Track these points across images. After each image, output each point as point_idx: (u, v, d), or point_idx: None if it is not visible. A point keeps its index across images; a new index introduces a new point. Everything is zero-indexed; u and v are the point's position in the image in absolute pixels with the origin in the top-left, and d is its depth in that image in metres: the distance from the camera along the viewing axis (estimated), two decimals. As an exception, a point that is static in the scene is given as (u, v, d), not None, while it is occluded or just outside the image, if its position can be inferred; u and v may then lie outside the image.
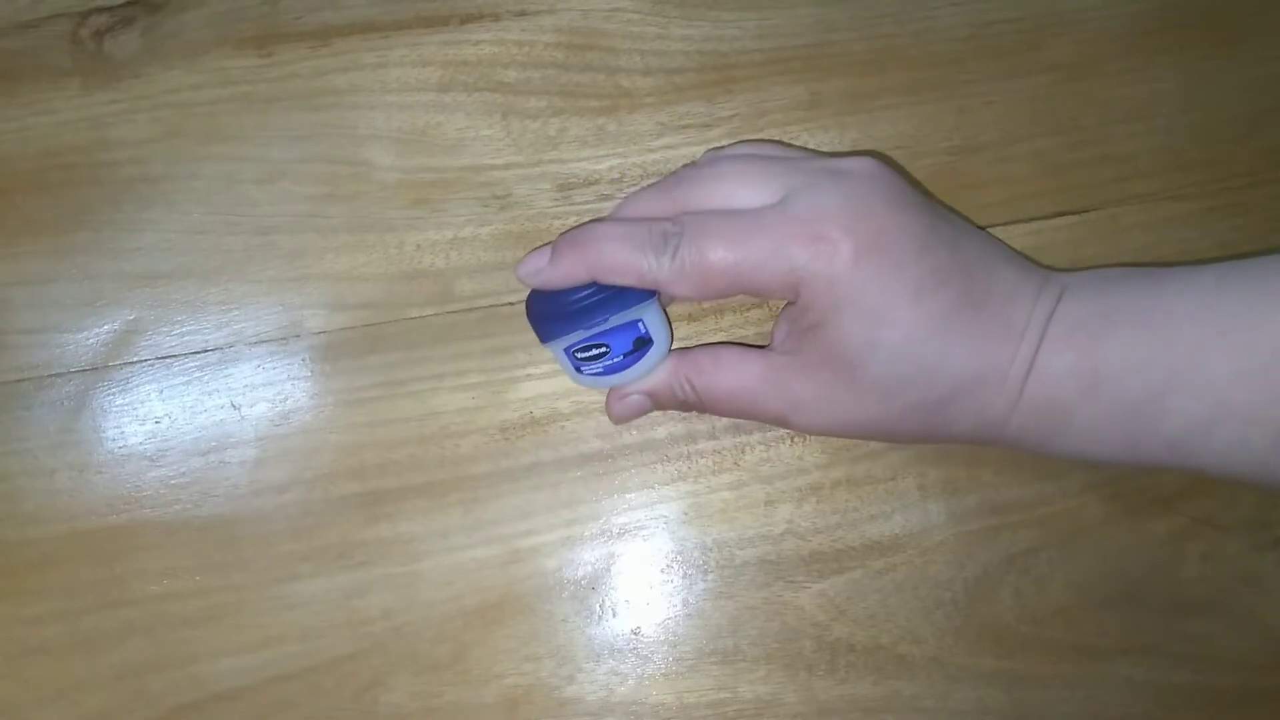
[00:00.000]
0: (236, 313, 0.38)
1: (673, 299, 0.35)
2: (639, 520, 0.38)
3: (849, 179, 0.32)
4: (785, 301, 0.34)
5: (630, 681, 0.37)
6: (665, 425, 0.38)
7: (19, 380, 0.37)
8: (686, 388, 0.35)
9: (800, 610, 0.38)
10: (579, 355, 0.35)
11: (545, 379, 0.38)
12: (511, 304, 0.38)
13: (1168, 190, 0.39)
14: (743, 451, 0.38)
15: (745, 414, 0.34)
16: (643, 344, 0.34)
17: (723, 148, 0.37)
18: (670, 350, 0.36)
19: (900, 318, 0.31)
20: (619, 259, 0.32)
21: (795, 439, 0.38)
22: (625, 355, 0.34)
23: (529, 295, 0.35)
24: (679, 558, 0.38)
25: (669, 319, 0.37)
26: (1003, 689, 0.38)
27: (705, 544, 0.38)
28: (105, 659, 0.37)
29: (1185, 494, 0.38)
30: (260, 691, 0.37)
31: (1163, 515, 0.38)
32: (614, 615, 0.38)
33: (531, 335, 0.35)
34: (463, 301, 0.38)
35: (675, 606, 0.38)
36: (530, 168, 0.38)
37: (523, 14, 0.39)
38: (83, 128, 0.38)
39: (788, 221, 0.31)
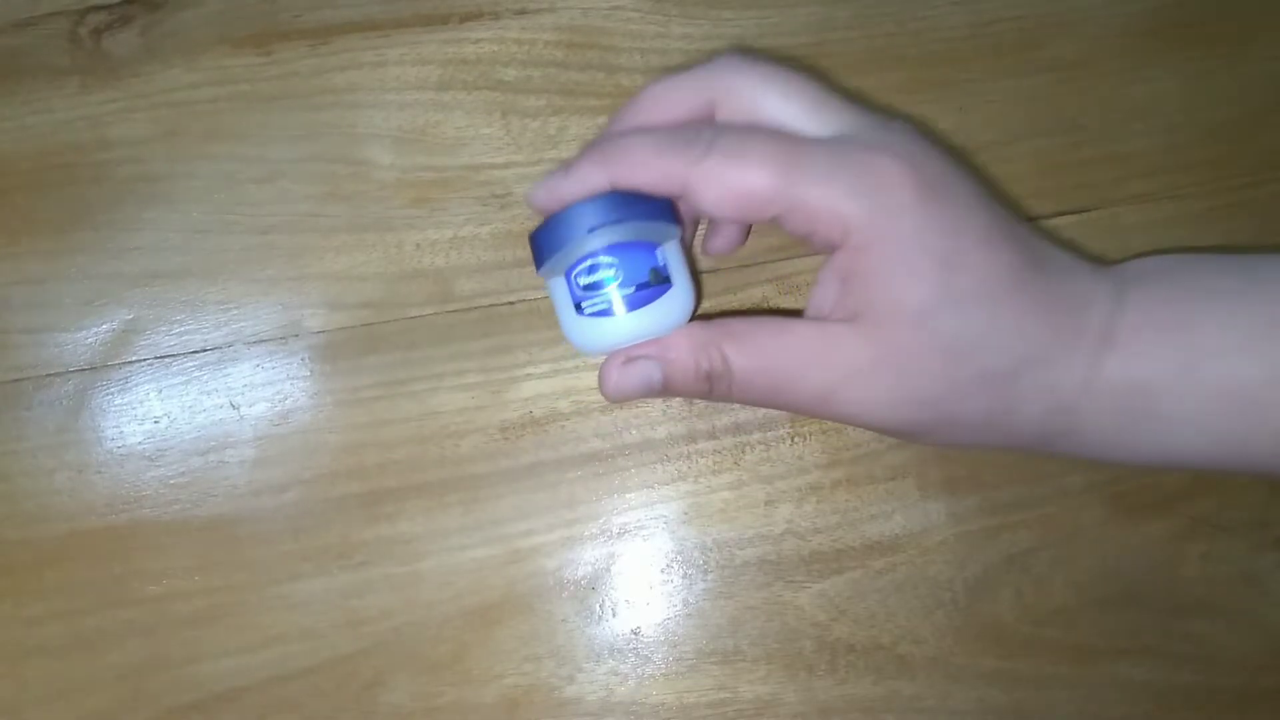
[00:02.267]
0: (235, 312, 0.38)
1: (699, 217, 0.31)
2: (639, 520, 0.38)
3: (898, 129, 0.29)
4: (825, 255, 0.29)
5: (630, 681, 0.37)
6: (665, 425, 0.38)
7: (18, 380, 0.37)
8: (716, 358, 0.29)
9: (800, 610, 0.38)
10: (581, 282, 0.29)
11: (545, 379, 0.38)
12: (511, 303, 0.38)
13: (1168, 190, 0.39)
14: (743, 451, 0.38)
15: (782, 395, 0.29)
16: (659, 280, 0.29)
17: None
18: (694, 311, 0.31)
19: (973, 262, 0.27)
20: (643, 154, 0.28)
21: (795, 438, 0.38)
22: (638, 288, 0.29)
23: (534, 229, 0.31)
24: (679, 558, 0.38)
25: (696, 276, 0.32)
26: (1003, 689, 0.38)
27: (705, 544, 0.38)
28: (105, 659, 0.37)
29: (1185, 494, 0.38)
30: (260, 691, 0.37)
31: (1163, 515, 0.38)
32: (614, 615, 0.38)
33: (532, 334, 0.35)
34: (462, 301, 0.38)
35: (675, 606, 0.38)
36: (530, 166, 0.38)
37: (522, 12, 0.39)
38: (81, 127, 0.38)
39: (843, 151, 0.28)
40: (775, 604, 0.38)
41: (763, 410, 0.38)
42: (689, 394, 0.30)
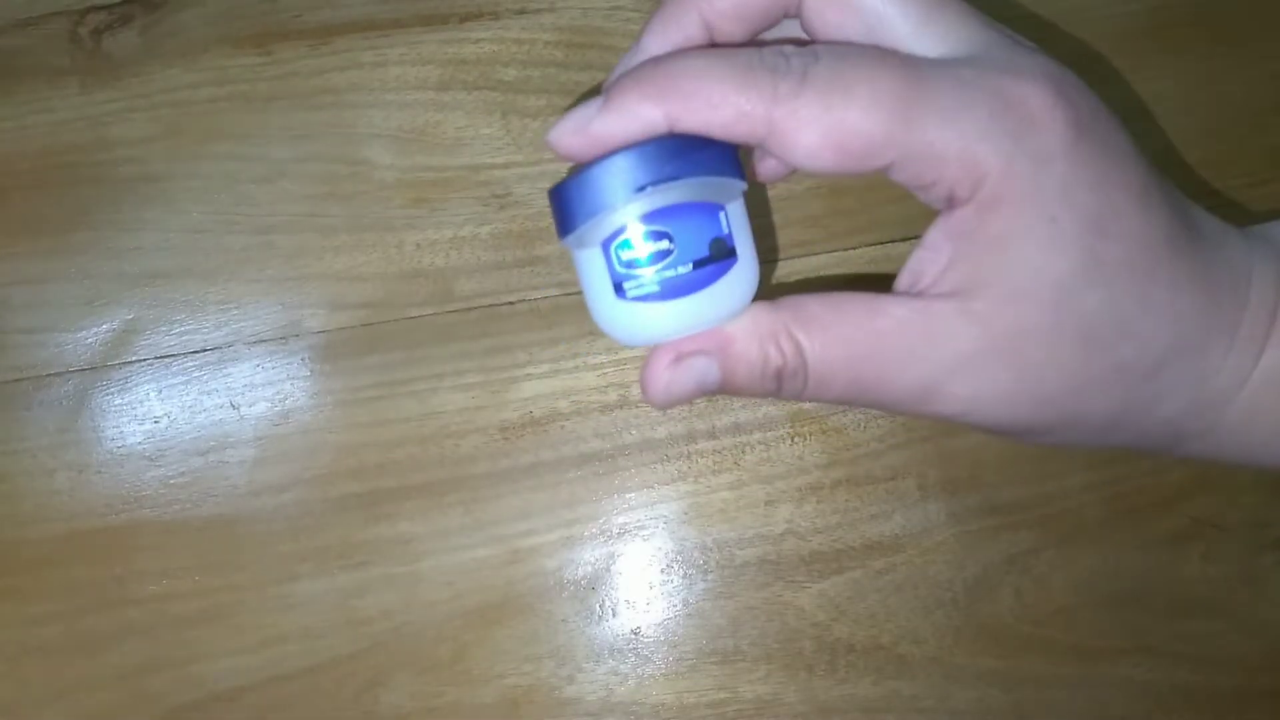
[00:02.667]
0: (235, 312, 0.38)
1: (780, 171, 0.25)
2: (639, 520, 0.38)
3: (1036, 51, 0.23)
4: (937, 215, 0.23)
5: (630, 682, 0.37)
6: (665, 425, 0.38)
7: (17, 380, 0.37)
8: (788, 351, 0.23)
9: (800, 610, 0.38)
10: (624, 257, 0.23)
11: (545, 379, 0.38)
12: (511, 303, 0.38)
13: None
14: (743, 451, 0.38)
15: (869, 394, 0.24)
16: (722, 253, 0.23)
17: None
18: (757, 288, 0.24)
19: (1127, 227, 0.22)
20: (715, 86, 0.22)
21: (795, 438, 0.38)
22: (696, 265, 0.23)
23: (561, 180, 0.24)
24: (679, 558, 0.38)
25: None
26: (1003, 689, 0.38)
27: (705, 544, 0.38)
28: (105, 659, 0.37)
29: (1185, 494, 0.38)
30: (260, 691, 0.37)
31: (1163, 515, 0.38)
32: (614, 615, 0.38)
33: (532, 334, 0.35)
34: (462, 301, 0.38)
35: (675, 606, 0.38)
36: (530, 166, 0.38)
37: (522, 12, 0.39)
38: (81, 127, 0.38)
39: (975, 78, 0.22)
40: (775, 604, 0.38)
41: (763, 410, 0.38)
42: (752, 394, 0.25)
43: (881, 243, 0.38)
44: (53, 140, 0.38)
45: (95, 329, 0.38)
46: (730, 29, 0.25)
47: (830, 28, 0.24)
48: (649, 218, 0.23)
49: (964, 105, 0.22)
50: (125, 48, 0.38)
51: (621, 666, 0.37)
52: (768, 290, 0.38)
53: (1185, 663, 0.38)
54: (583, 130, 0.23)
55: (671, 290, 0.23)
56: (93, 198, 0.38)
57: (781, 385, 0.24)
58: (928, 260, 0.23)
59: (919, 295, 0.23)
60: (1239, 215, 0.39)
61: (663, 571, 0.38)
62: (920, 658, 0.37)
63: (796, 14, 0.24)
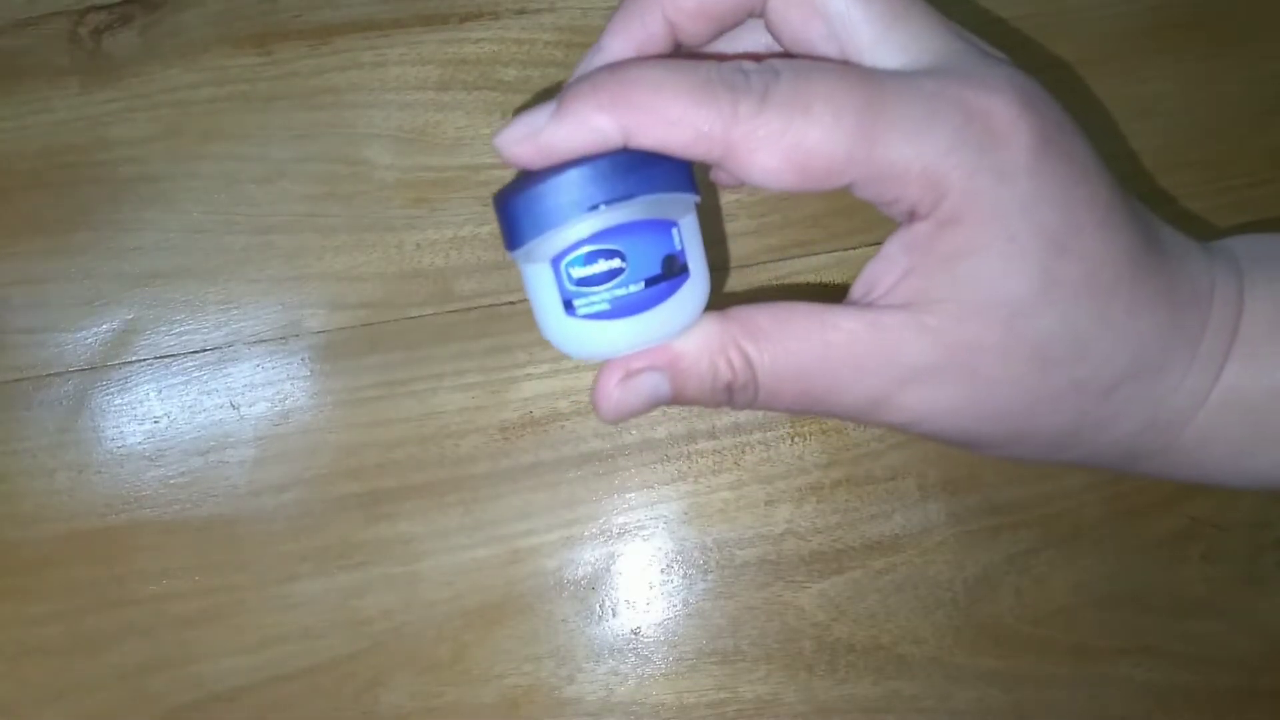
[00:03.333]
0: (235, 312, 0.38)
1: (742, 181, 0.23)
2: (639, 520, 0.38)
3: (1004, 62, 0.23)
4: (897, 227, 0.23)
5: (630, 682, 0.37)
6: (665, 424, 0.38)
7: (17, 380, 0.37)
8: (737, 364, 0.23)
9: (800, 610, 0.38)
10: (575, 275, 0.23)
11: (545, 379, 0.38)
12: (512, 303, 0.38)
13: (1168, 190, 0.39)
14: (743, 451, 0.38)
15: (818, 405, 0.24)
16: (674, 270, 0.23)
17: None
18: (706, 303, 0.24)
19: (1088, 246, 0.22)
20: (673, 101, 0.21)
21: (795, 438, 0.38)
22: (647, 283, 0.23)
23: (504, 188, 0.24)
24: (679, 558, 0.38)
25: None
26: (1003, 689, 0.38)
27: (705, 544, 0.38)
28: (105, 659, 0.37)
29: (1185, 494, 0.38)
30: (260, 691, 0.37)
31: (1163, 515, 0.38)
32: (614, 615, 0.38)
33: (532, 334, 0.35)
34: (462, 301, 0.38)
35: (675, 606, 0.38)
36: (530, 167, 0.38)
37: (522, 12, 0.39)
38: (81, 127, 0.38)
39: (938, 90, 0.21)
40: (775, 604, 0.38)
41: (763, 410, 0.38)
42: (703, 405, 0.25)
43: (881, 243, 0.38)
44: (53, 140, 0.38)
45: (95, 329, 0.38)
46: (694, 28, 0.24)
47: (794, 29, 0.23)
48: (601, 236, 0.22)
49: (927, 120, 0.21)
50: (125, 48, 0.38)
51: (621, 666, 0.37)
52: (768, 290, 0.38)
53: (1185, 663, 0.38)
54: (532, 138, 0.22)
55: (622, 309, 0.23)
56: (93, 198, 0.38)
57: (732, 397, 0.24)
58: (883, 271, 0.23)
59: (871, 306, 0.23)
60: (1239, 215, 0.39)
61: (663, 571, 0.38)
62: (920, 658, 0.37)
63: (760, 14, 0.24)
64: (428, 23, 0.39)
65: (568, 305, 0.23)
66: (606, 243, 0.22)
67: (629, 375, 0.24)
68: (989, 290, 0.22)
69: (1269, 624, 0.38)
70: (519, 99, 0.38)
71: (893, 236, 0.23)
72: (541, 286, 0.23)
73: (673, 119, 0.21)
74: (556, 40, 0.39)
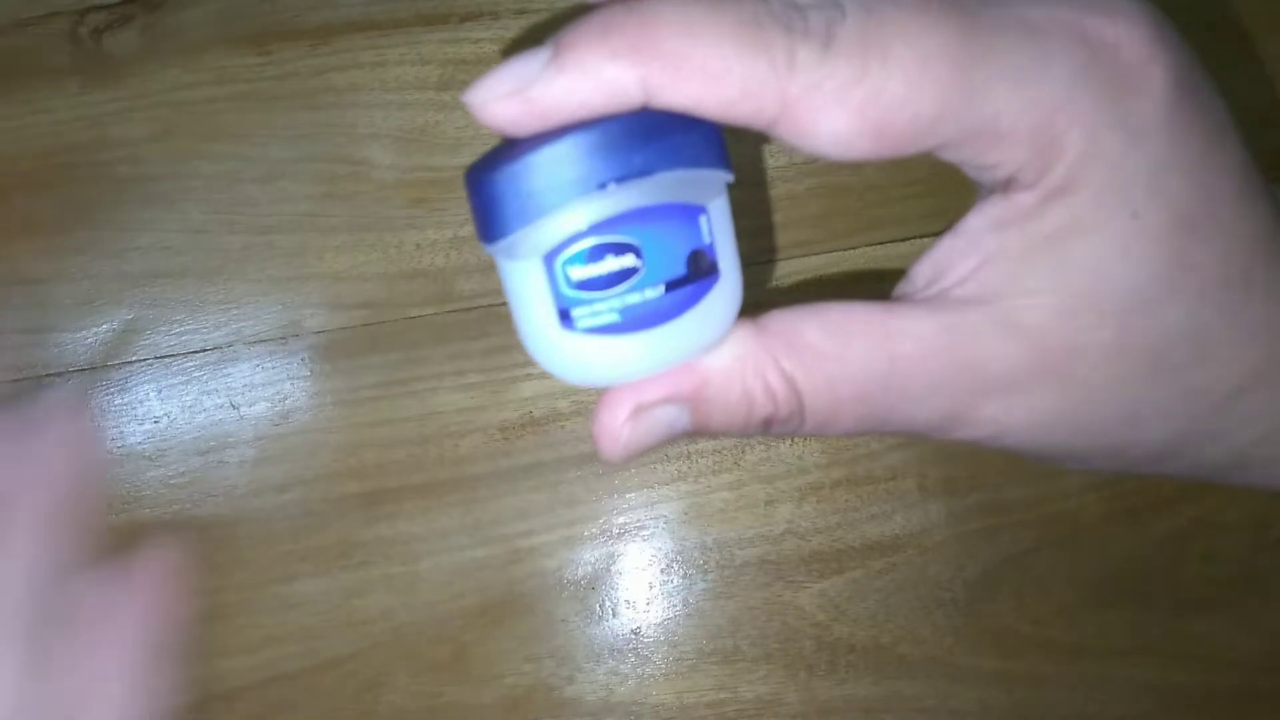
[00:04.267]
0: (235, 312, 0.38)
1: (803, 149, 0.18)
2: (639, 520, 0.38)
3: None
4: (982, 199, 0.19)
5: (630, 682, 0.37)
6: (665, 425, 0.38)
7: (17, 380, 0.37)
8: (778, 386, 0.18)
9: (800, 610, 0.38)
10: (575, 276, 0.17)
11: (545, 379, 0.38)
12: (511, 303, 0.38)
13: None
14: (743, 451, 0.38)
15: (881, 426, 0.19)
16: (702, 269, 0.18)
17: None
18: (738, 309, 0.19)
19: (1222, 227, 0.18)
20: (711, 43, 0.16)
21: (796, 438, 0.38)
22: (669, 287, 0.18)
23: (477, 160, 0.19)
24: (679, 558, 0.38)
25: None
26: (1003, 689, 0.38)
27: (705, 544, 0.38)
28: (104, 659, 0.37)
29: (1186, 494, 0.38)
30: (260, 691, 0.37)
31: (1163, 515, 0.38)
32: (614, 615, 0.38)
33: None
34: (462, 301, 0.38)
35: (675, 606, 0.38)
36: (530, 167, 0.38)
37: (522, 12, 0.39)
38: (81, 126, 0.38)
39: (1049, 14, 0.17)
40: (775, 604, 0.38)
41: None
42: (732, 436, 0.21)
43: (881, 243, 0.38)
44: (53, 140, 0.38)
45: (95, 329, 0.38)
46: None
47: None
48: (610, 225, 0.17)
49: (1039, 60, 0.16)
50: (125, 47, 0.38)
51: (621, 666, 0.37)
52: (764, 294, 0.38)
53: (1186, 663, 0.38)
54: (522, 93, 0.17)
55: (636, 321, 0.18)
56: (93, 197, 0.38)
57: (770, 428, 0.19)
58: (958, 252, 0.18)
59: (941, 301, 0.18)
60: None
61: (663, 571, 0.38)
62: (920, 658, 0.37)
63: None
64: (428, 23, 0.38)
65: (564, 316, 0.18)
66: (617, 234, 0.17)
67: (641, 409, 0.19)
68: (1103, 279, 0.17)
69: (1269, 624, 0.38)
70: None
71: (977, 209, 0.18)
72: (529, 290, 0.18)
73: (712, 70, 0.16)
74: (556, 40, 0.39)
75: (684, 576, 0.38)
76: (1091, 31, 0.17)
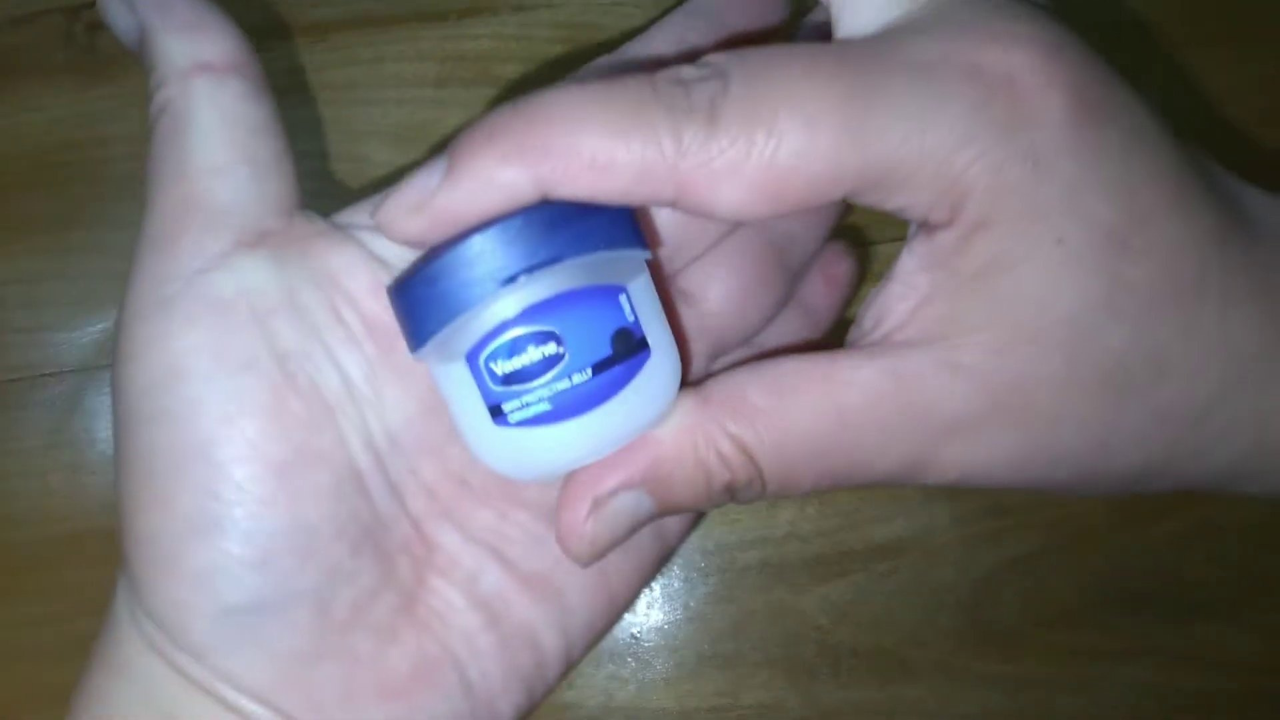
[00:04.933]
0: (232, 312, 0.38)
1: (716, 214, 0.18)
2: (639, 522, 0.38)
3: (1018, 1, 0.18)
4: (910, 238, 0.19)
5: (630, 687, 0.37)
6: (666, 426, 0.38)
7: (11, 380, 0.37)
8: (730, 453, 0.18)
9: (802, 614, 0.37)
10: (500, 370, 0.18)
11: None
12: (510, 303, 0.38)
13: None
14: (744, 453, 0.38)
15: (846, 480, 0.19)
16: (629, 348, 0.18)
17: None
18: (678, 382, 0.19)
19: (1159, 238, 0.17)
20: (595, 135, 0.17)
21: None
22: (596, 369, 0.18)
23: (403, 272, 0.20)
24: (679, 561, 0.38)
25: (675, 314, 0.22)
26: (1007, 692, 0.37)
27: (706, 547, 0.38)
28: (99, 662, 0.36)
29: (1190, 496, 0.38)
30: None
31: (1167, 517, 0.38)
32: (614, 618, 0.38)
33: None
34: (461, 301, 0.38)
35: (676, 610, 0.38)
36: (529, 165, 0.38)
37: (521, 8, 0.38)
38: (76, 124, 0.38)
39: (941, 49, 0.17)
40: (777, 608, 0.37)
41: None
42: (703, 509, 0.20)
43: (878, 243, 0.38)
44: (47, 138, 0.37)
45: (90, 328, 0.37)
46: None
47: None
48: (527, 315, 0.17)
49: (931, 104, 0.16)
50: (120, 45, 0.38)
51: (621, 671, 0.37)
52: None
53: (1190, 665, 0.38)
54: (425, 206, 0.17)
55: (568, 407, 0.18)
56: (88, 196, 0.37)
57: (735, 496, 0.19)
58: (895, 295, 0.18)
59: (883, 346, 0.18)
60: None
61: (663, 575, 0.38)
62: (924, 661, 0.37)
63: None
64: (426, 19, 0.38)
65: (495, 412, 0.18)
66: (535, 323, 0.17)
67: (598, 504, 0.19)
68: (1038, 310, 0.17)
69: (1273, 627, 0.38)
70: (518, 96, 0.38)
71: (905, 251, 0.18)
72: (459, 390, 0.18)
73: (601, 163, 0.17)
74: (555, 37, 0.38)
75: (685, 580, 0.38)
76: (985, 65, 0.17)
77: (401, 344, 0.19)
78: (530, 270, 0.17)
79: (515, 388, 0.18)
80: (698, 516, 0.26)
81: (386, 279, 0.21)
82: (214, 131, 0.21)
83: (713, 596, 0.38)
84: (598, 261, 0.18)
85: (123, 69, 0.38)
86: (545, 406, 0.18)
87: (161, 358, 0.19)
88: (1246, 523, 0.38)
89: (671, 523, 0.24)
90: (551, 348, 0.17)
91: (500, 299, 0.17)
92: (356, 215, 0.22)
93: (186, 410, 0.19)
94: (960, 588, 0.38)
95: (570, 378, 0.18)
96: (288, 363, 0.19)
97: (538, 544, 0.22)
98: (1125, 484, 0.20)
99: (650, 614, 0.38)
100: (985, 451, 0.18)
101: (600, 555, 0.19)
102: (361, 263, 0.21)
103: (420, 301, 0.18)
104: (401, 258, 0.21)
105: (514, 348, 0.17)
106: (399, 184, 0.18)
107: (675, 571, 0.38)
